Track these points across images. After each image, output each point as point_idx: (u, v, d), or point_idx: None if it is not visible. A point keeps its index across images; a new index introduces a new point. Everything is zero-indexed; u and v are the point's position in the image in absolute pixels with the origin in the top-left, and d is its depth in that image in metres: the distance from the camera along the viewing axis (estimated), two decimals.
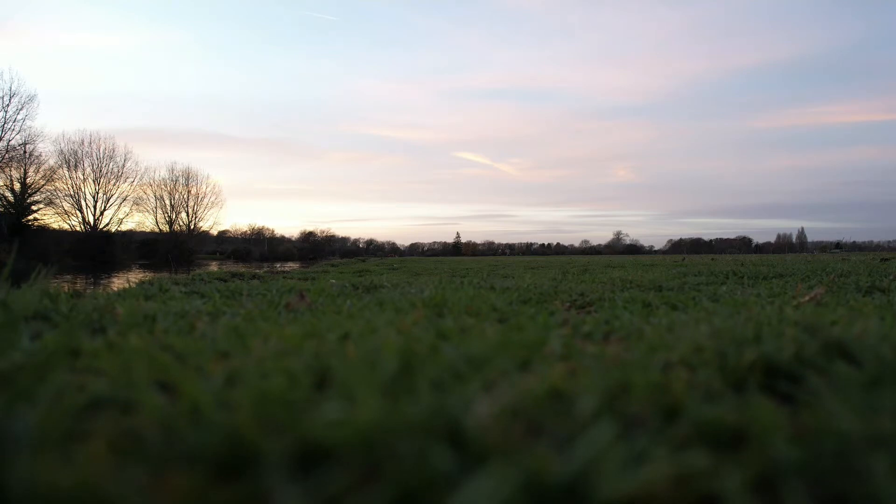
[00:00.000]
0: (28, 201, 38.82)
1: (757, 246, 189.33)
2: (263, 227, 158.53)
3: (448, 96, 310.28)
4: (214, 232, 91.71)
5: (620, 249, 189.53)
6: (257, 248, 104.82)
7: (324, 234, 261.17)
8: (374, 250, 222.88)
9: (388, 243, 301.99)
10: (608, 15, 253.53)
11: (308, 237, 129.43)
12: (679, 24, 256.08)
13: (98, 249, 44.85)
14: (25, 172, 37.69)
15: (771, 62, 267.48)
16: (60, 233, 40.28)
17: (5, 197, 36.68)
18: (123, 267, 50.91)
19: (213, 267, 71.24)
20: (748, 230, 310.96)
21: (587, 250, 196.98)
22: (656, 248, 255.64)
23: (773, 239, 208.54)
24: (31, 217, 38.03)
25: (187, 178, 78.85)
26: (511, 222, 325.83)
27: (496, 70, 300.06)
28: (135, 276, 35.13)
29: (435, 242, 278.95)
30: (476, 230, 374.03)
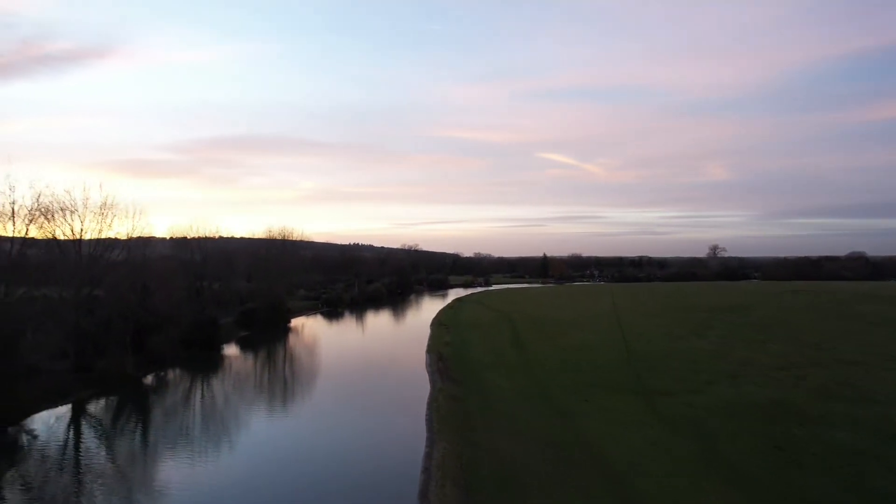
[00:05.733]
0: (147, 305, 43.12)
1: (874, 266, 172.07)
2: (354, 256, 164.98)
3: (529, 97, 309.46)
4: (308, 238, 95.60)
5: (716, 269, 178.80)
6: (348, 285, 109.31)
7: (411, 250, 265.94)
8: (460, 268, 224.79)
9: (476, 256, 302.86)
10: (694, 7, 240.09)
11: (396, 272, 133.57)
12: (772, 13, 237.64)
13: (206, 335, 49.11)
14: (145, 283, 42.20)
15: (878, 47, 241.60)
16: (171, 326, 44.15)
17: (130, 307, 40.83)
18: (226, 341, 55.31)
19: (308, 323, 75.22)
20: (858, 233, 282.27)
21: (682, 272, 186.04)
22: (758, 257, 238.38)
23: (892, 251, 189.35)
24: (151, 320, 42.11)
25: (283, 238, 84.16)
26: (598, 224, 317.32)
27: (579, 69, 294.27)
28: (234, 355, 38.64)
29: (522, 257, 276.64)
30: (561, 232, 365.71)
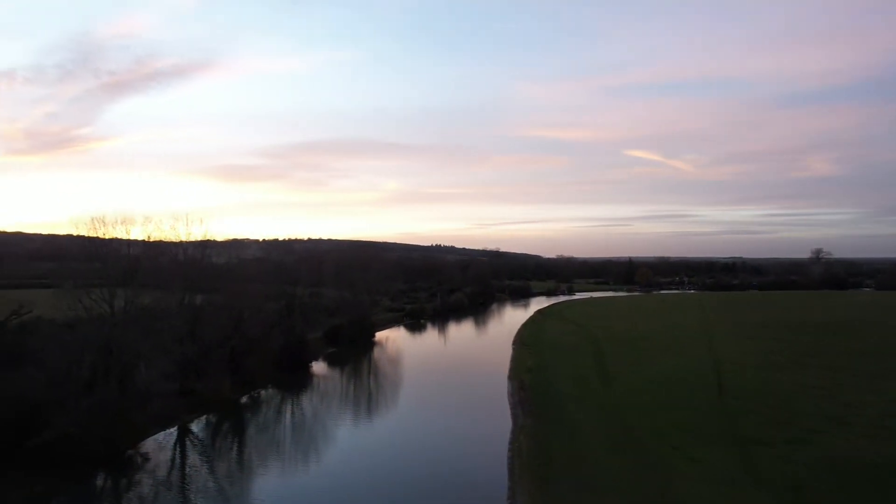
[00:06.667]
0: (242, 330, 45.82)
1: None
2: (436, 260, 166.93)
3: (612, 93, 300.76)
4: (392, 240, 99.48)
5: (819, 276, 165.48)
6: (431, 295, 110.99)
7: (493, 252, 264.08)
8: (542, 271, 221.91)
9: (558, 258, 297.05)
10: None
11: (477, 279, 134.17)
12: None
13: (295, 355, 51.55)
14: (240, 312, 45.05)
15: None
16: (263, 349, 46.68)
17: (226, 334, 43.60)
18: (314, 358, 57.76)
19: (391, 337, 77.11)
20: None
21: (780, 280, 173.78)
22: (871, 259, 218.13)
23: None
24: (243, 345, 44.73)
25: (369, 241, 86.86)
26: (687, 223, 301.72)
27: (663, 63, 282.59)
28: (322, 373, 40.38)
29: (606, 259, 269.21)
30: (648, 232, 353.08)
